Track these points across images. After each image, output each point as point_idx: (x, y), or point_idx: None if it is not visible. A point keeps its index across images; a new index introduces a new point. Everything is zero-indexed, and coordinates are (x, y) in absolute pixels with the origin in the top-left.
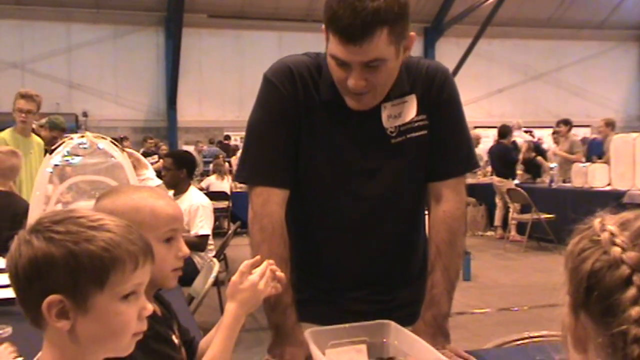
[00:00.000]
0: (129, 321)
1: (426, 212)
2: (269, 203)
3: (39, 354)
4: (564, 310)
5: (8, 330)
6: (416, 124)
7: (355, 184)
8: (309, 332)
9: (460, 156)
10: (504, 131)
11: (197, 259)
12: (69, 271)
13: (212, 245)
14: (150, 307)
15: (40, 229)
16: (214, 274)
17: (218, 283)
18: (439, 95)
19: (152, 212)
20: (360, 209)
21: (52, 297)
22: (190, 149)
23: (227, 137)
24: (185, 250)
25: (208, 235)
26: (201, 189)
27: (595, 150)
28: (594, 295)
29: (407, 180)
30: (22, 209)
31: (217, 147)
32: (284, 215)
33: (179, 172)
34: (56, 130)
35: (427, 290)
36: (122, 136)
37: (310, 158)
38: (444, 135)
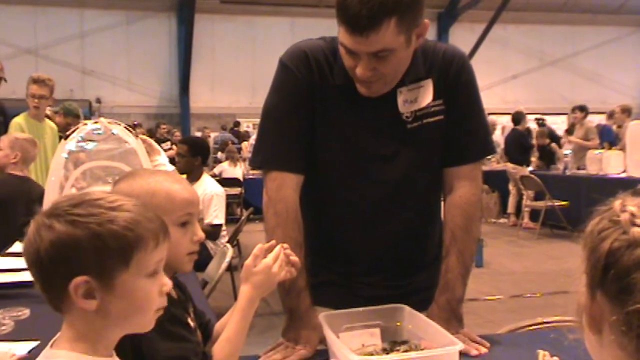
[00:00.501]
0: (153, 297)
1: (442, 199)
2: (284, 188)
3: (57, 335)
4: (580, 289)
5: (26, 312)
6: (432, 109)
7: (370, 169)
8: (323, 316)
9: (477, 142)
10: (518, 117)
11: (210, 245)
12: (95, 252)
13: (224, 231)
14: (169, 283)
15: (59, 212)
16: (227, 259)
17: (231, 268)
18: (456, 80)
19: (168, 196)
20: (375, 194)
21: (78, 279)
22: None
23: (237, 124)
24: (201, 234)
25: (221, 225)
26: (213, 175)
27: (606, 137)
28: (611, 273)
29: (422, 165)
30: (38, 194)
31: (229, 133)
32: (298, 200)
33: (194, 159)
34: (70, 117)
35: (442, 275)
36: (135, 122)
37: (325, 143)
38: (461, 120)
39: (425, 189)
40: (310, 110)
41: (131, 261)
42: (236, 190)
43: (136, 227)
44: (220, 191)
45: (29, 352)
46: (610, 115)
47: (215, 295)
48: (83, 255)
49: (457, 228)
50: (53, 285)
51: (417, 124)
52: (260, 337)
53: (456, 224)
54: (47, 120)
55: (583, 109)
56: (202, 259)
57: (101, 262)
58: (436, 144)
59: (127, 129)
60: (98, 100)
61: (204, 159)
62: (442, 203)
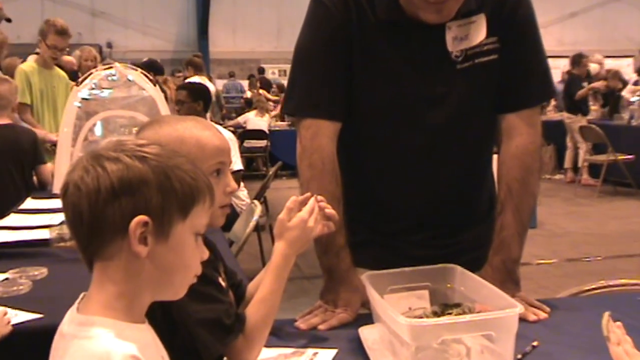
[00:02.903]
0: (197, 257)
1: (493, 150)
2: (319, 136)
3: (82, 296)
4: None
5: (44, 271)
6: (485, 47)
7: (416, 114)
8: (366, 276)
9: (536, 84)
10: (576, 60)
11: (235, 201)
12: (161, 193)
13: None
14: (207, 252)
15: (126, 148)
16: (255, 217)
17: (258, 228)
18: (512, 15)
19: (198, 144)
20: (421, 142)
21: (140, 217)
22: (221, 83)
23: (262, 71)
24: (234, 185)
25: (242, 170)
26: (237, 125)
27: None
28: None
29: (474, 110)
30: (29, 141)
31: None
32: (335, 150)
33: (195, 104)
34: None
35: (496, 233)
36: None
37: (365, 85)
38: (518, 60)
39: (475, 137)
40: (347, 50)
41: (189, 213)
42: (261, 143)
43: (198, 177)
44: (232, 136)
45: (21, 323)
46: None
47: (241, 257)
48: (149, 194)
49: (514, 181)
50: (105, 224)
51: (467, 64)
52: (291, 302)
53: (512, 176)
54: (57, 68)
55: None
56: (228, 217)
57: (164, 205)
58: (489, 87)
59: (144, 74)
60: (109, 45)
61: (206, 103)
62: (495, 156)
